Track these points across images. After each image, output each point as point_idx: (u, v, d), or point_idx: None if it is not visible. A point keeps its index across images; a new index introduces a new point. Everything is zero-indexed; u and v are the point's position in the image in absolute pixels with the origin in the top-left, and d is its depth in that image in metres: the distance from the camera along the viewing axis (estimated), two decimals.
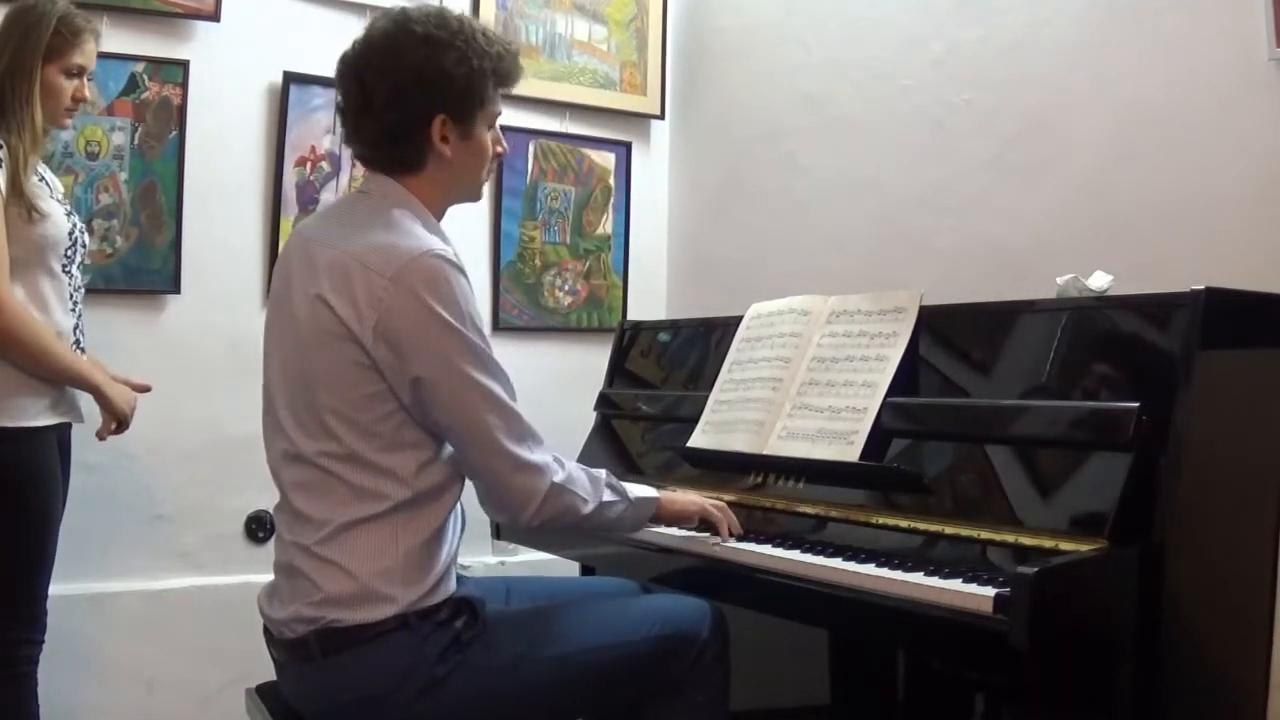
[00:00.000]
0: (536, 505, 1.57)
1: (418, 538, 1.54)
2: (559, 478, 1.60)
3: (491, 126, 1.70)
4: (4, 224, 2.00)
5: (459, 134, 1.64)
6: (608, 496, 1.68)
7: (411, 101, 1.60)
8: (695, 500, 1.86)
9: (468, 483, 1.65)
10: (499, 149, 1.73)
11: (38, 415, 2.07)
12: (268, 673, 1.70)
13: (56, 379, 2.10)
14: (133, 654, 2.57)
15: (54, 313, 2.11)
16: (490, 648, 1.59)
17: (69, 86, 2.14)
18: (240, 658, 2.26)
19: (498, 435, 1.54)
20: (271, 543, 2.77)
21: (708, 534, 1.88)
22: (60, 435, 2.17)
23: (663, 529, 1.89)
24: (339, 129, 1.81)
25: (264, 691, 1.75)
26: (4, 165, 2.02)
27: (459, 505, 1.65)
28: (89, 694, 2.28)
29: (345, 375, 1.52)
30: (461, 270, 1.56)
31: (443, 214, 1.70)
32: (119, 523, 2.48)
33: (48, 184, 2.18)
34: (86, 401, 2.21)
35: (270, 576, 1.68)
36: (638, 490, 1.75)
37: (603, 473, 1.69)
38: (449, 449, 1.60)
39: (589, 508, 1.64)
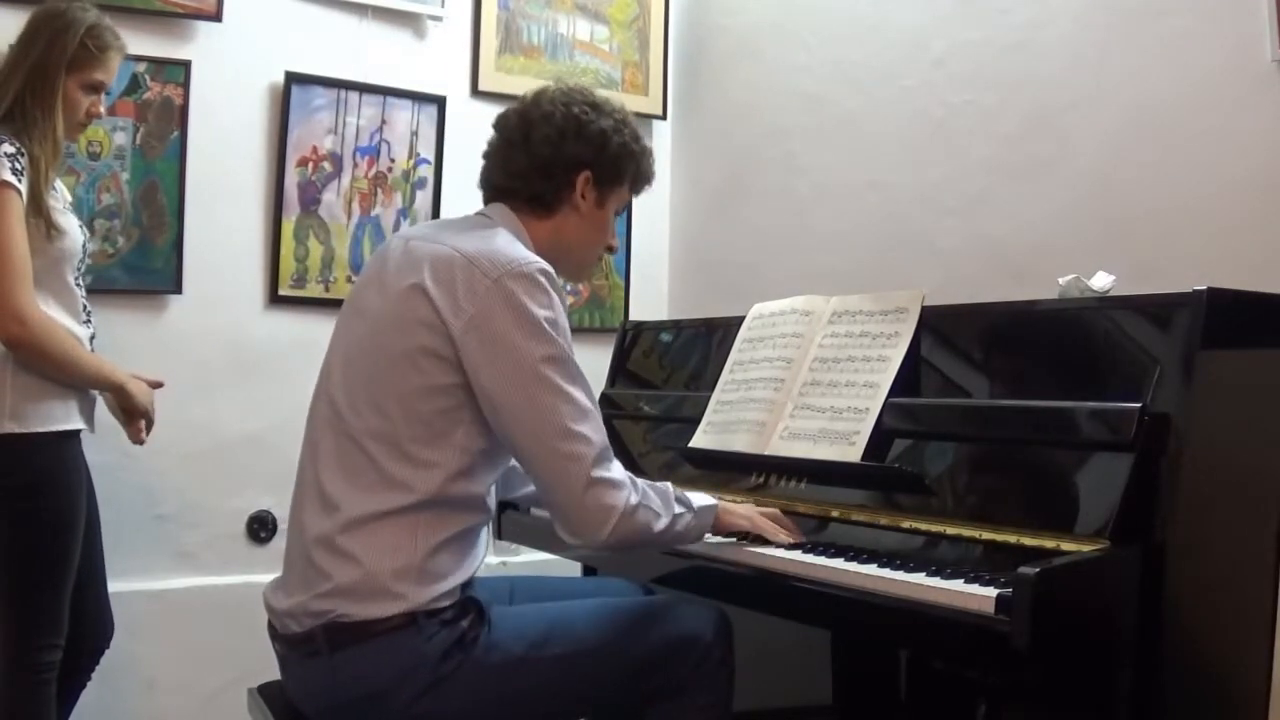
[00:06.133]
0: (614, 523, 1.53)
1: (437, 540, 1.54)
2: (635, 497, 1.57)
3: (618, 213, 1.78)
4: (26, 234, 1.97)
5: (595, 198, 1.72)
6: (677, 509, 1.65)
7: (568, 147, 1.69)
8: (747, 512, 1.80)
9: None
10: (612, 242, 1.80)
11: (66, 419, 2.06)
12: (269, 672, 1.70)
13: (83, 384, 2.09)
14: (134, 654, 2.57)
15: (70, 326, 2.08)
16: (494, 648, 1.58)
17: (85, 102, 2.10)
18: (242, 657, 2.26)
19: (578, 447, 1.53)
20: (272, 543, 2.81)
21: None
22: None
23: None
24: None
25: (266, 691, 1.75)
26: (25, 175, 1.98)
27: (486, 533, 1.66)
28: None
29: (418, 361, 1.54)
30: (560, 289, 1.59)
31: None
32: (120, 523, 2.47)
33: (58, 193, 2.13)
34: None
35: (272, 576, 1.68)
36: (699, 499, 1.72)
37: (669, 485, 1.67)
38: (491, 471, 1.61)
39: (661, 523, 1.60)
